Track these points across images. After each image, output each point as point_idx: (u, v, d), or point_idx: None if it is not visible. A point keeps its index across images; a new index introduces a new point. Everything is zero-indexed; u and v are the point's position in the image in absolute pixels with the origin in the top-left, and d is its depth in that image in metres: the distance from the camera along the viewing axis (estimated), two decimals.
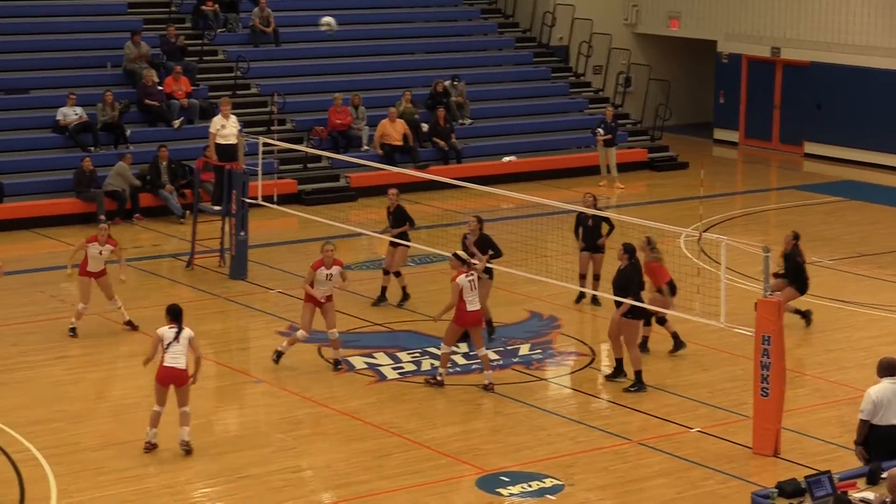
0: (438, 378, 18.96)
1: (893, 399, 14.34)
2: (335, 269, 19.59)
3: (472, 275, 18.67)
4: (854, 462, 15.15)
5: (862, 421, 14.40)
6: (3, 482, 15.54)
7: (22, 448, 16.48)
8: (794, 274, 21.24)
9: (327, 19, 19.30)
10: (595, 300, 22.49)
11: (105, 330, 21.29)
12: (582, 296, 22.73)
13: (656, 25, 40.53)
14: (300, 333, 19.49)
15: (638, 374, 18.90)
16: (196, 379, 16.60)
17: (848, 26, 36.22)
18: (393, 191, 22.59)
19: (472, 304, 18.65)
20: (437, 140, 32.77)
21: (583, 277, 22.59)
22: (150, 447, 16.50)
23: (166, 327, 16.55)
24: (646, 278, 19.47)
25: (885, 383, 14.42)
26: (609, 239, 22.51)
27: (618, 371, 19.26)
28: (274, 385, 18.96)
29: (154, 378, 16.60)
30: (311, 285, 19.31)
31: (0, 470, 15.89)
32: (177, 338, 16.45)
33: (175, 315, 16.60)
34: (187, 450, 16.46)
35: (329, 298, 19.57)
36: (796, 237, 21.30)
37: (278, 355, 19.54)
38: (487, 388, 18.78)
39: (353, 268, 25.19)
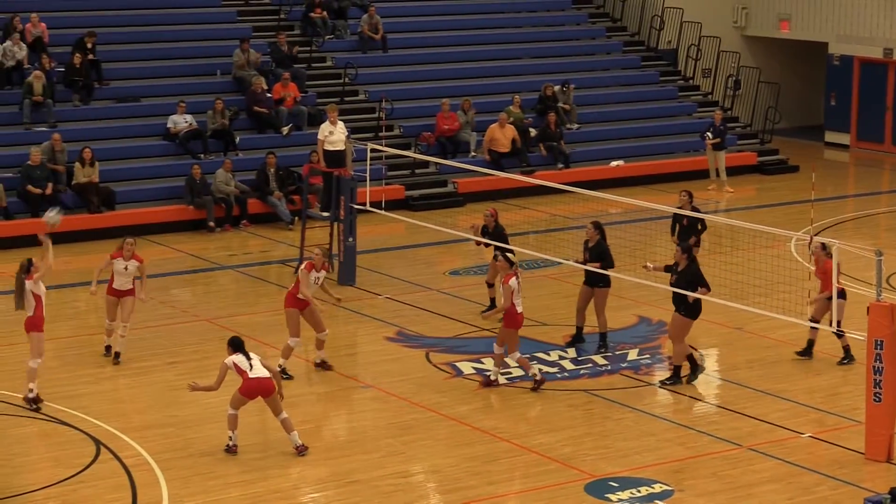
0: (492, 379, 19.00)
1: None
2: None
3: (520, 277, 18.96)
4: None
5: None
6: (115, 487, 15.76)
7: (134, 453, 16.70)
8: None
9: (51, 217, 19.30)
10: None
11: (215, 335, 21.50)
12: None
13: (766, 28, 40.16)
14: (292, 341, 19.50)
15: (677, 368, 19.10)
16: (281, 394, 16.77)
17: None
18: (490, 211, 22.36)
19: (520, 306, 18.87)
20: (542, 145, 32.68)
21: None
22: (232, 449, 16.71)
23: (233, 357, 16.67)
24: (818, 280, 19.61)
25: None
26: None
27: (676, 375, 19.30)
28: (382, 390, 19.04)
29: (238, 391, 16.67)
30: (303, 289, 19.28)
31: (113, 474, 16.11)
32: (250, 358, 16.61)
33: (236, 346, 16.74)
34: (302, 451, 16.60)
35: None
36: None
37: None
38: (538, 384, 18.90)
39: (462, 273, 25.23)
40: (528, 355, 20.29)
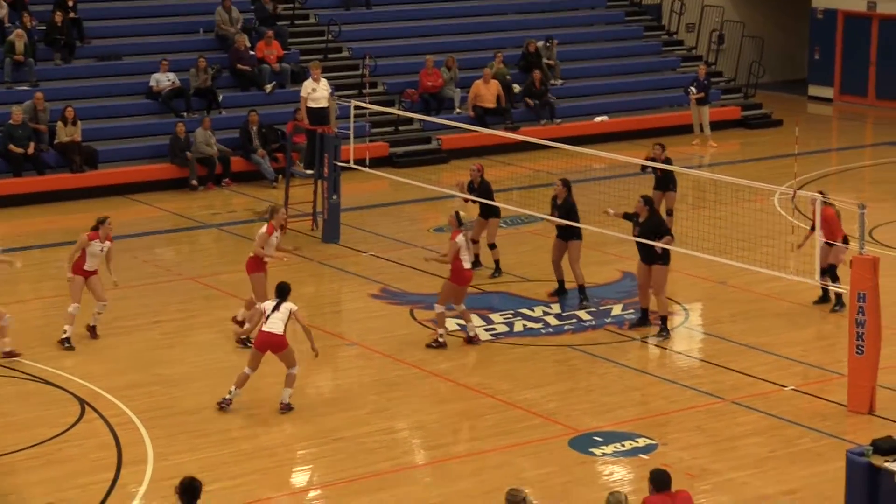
0: (441, 340, 18.94)
1: None
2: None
3: (468, 234, 19.09)
4: None
5: None
6: (101, 445, 15.78)
7: (119, 412, 16.70)
8: None
9: None
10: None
11: (199, 294, 21.51)
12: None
13: None
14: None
15: (664, 319, 19.15)
16: (315, 350, 16.74)
17: None
18: (476, 167, 22.35)
19: (468, 263, 18.91)
20: (528, 100, 32.66)
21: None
22: (226, 404, 16.70)
23: (269, 301, 16.76)
24: (823, 229, 19.29)
25: None
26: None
27: (643, 319, 19.48)
28: (366, 347, 19.07)
29: (253, 343, 16.76)
30: None
31: (98, 433, 16.13)
32: (277, 307, 16.61)
33: (280, 292, 16.74)
34: (284, 410, 16.62)
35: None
36: None
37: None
38: (472, 340, 18.92)
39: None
40: (512, 310, 20.36)
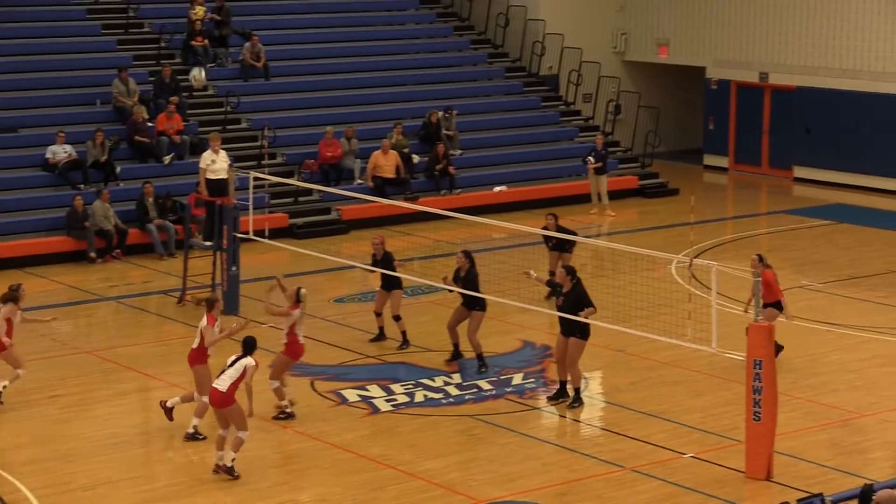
0: (288, 411, 18.84)
1: None
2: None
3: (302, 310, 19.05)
4: (846, 484, 15.22)
5: None
6: None
7: (14, 489, 16.44)
8: None
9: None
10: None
11: (96, 367, 21.29)
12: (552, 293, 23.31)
13: (645, 53, 40.67)
14: None
15: (577, 390, 19.28)
16: (250, 411, 16.83)
17: (834, 51, 36.37)
18: (378, 239, 22.43)
19: (302, 338, 18.96)
20: (436, 169, 32.70)
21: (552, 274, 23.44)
22: (217, 469, 16.77)
23: (234, 355, 17.00)
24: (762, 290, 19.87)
25: None
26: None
27: (562, 392, 19.53)
28: (266, 420, 18.93)
29: None
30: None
31: None
32: (233, 363, 16.77)
33: (245, 346, 16.99)
34: (219, 471, 16.66)
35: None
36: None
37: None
38: (284, 415, 18.77)
39: (346, 300, 25.21)
40: (413, 381, 20.35)
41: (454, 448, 17.92)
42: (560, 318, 19.23)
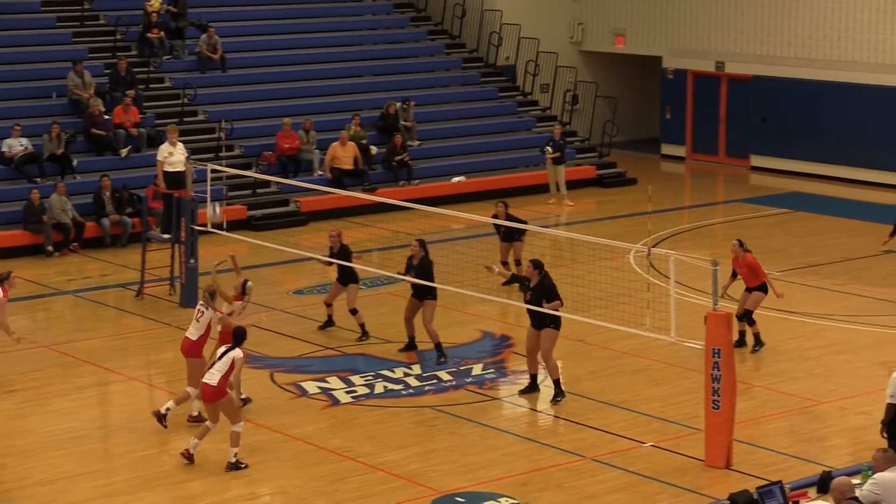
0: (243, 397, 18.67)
1: None
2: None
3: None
4: (805, 471, 15.32)
5: (890, 405, 15.39)
6: None
7: None
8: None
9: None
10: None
11: (54, 362, 21.18)
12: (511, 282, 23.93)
13: (602, 43, 40.74)
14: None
15: (557, 381, 19.14)
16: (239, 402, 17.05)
17: (789, 39, 36.54)
18: (334, 232, 22.44)
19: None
20: (395, 160, 32.70)
21: (504, 264, 24.34)
22: (186, 455, 16.83)
23: (223, 347, 17.00)
24: (740, 273, 21.14)
25: None
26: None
27: (533, 386, 19.45)
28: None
29: None
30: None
31: None
32: (221, 356, 16.79)
33: (235, 337, 16.99)
34: (230, 469, 16.68)
35: None
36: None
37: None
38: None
39: (305, 292, 25.18)
40: (373, 372, 20.33)
41: (414, 439, 17.93)
42: (529, 311, 19.19)
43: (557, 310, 18.91)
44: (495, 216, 23.76)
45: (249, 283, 19.10)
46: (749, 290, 21.32)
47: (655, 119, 40.51)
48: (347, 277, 21.99)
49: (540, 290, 19.03)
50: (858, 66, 35.18)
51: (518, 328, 22.43)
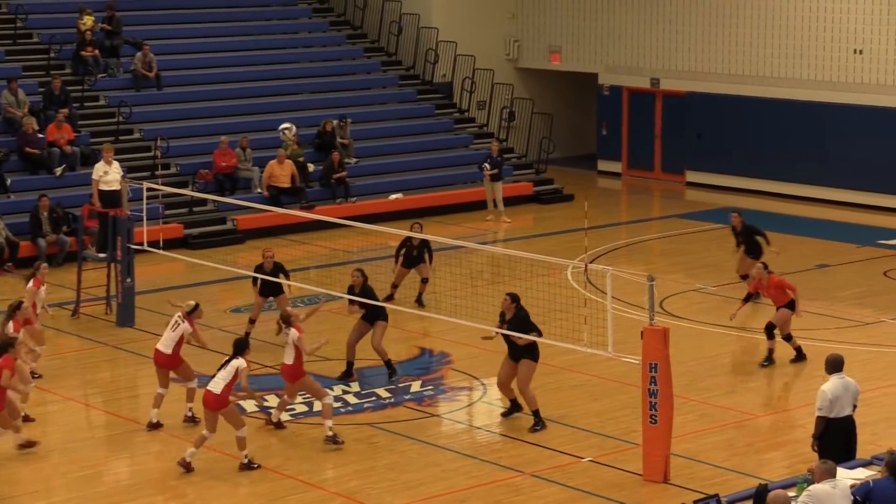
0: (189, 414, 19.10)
1: (844, 393, 15.62)
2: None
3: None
4: (742, 485, 15.41)
5: (819, 418, 15.56)
6: None
7: None
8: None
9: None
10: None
11: None
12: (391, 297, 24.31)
13: (538, 60, 40.93)
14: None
15: (536, 412, 18.84)
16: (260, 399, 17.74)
17: (723, 56, 36.87)
18: (268, 252, 22.43)
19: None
20: (334, 177, 32.70)
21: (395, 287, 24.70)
22: (183, 464, 17.11)
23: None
24: (768, 295, 21.50)
25: (835, 379, 15.66)
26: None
27: (514, 407, 19.26)
28: (164, 432, 18.80)
29: None
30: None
31: None
32: (224, 365, 17.07)
33: (236, 347, 17.34)
34: (244, 468, 17.11)
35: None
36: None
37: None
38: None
39: (243, 310, 25.09)
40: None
41: (353, 457, 17.91)
42: (508, 343, 18.95)
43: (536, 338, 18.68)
44: (406, 245, 24.36)
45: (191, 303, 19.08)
46: (780, 307, 21.51)
47: (592, 135, 40.72)
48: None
49: (515, 322, 18.84)
50: (792, 82, 35.53)
51: (457, 345, 22.49)
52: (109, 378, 21.52)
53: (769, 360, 21.39)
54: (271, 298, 22.67)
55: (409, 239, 24.22)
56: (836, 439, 15.48)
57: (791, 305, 21.39)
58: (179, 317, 18.81)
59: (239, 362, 17.06)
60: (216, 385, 17.00)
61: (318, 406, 19.73)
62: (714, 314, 24.07)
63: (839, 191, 34.68)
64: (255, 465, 17.10)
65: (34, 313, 20.42)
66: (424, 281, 24.79)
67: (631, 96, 39.16)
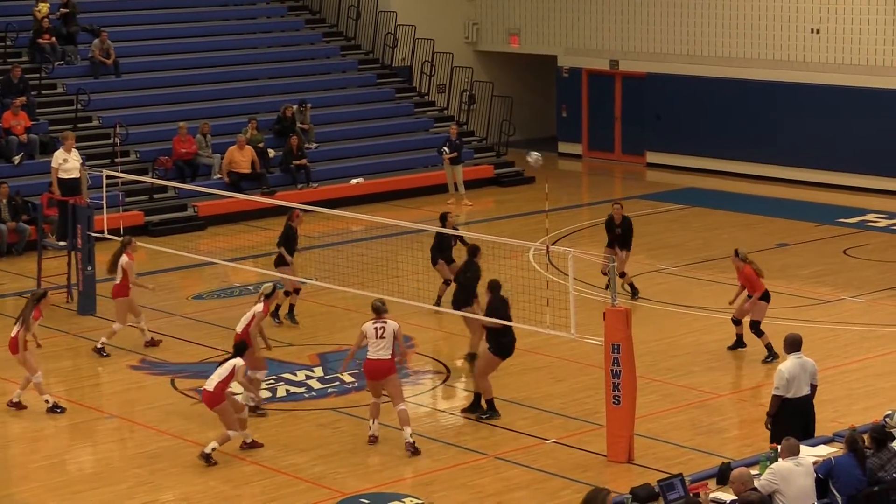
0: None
1: (801, 373, 15.64)
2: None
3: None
4: (705, 464, 15.50)
5: (775, 396, 15.60)
6: None
7: None
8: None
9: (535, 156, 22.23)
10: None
11: None
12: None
13: (497, 43, 40.91)
14: None
15: (490, 402, 18.73)
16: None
17: (681, 37, 36.94)
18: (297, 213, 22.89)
19: None
20: (295, 162, 32.62)
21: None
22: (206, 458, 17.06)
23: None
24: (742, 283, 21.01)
25: (793, 359, 15.67)
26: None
27: (493, 407, 18.91)
28: (127, 420, 18.77)
29: None
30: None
31: None
32: (222, 363, 17.19)
33: (235, 349, 17.56)
34: (245, 447, 17.24)
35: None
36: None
37: None
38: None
39: (205, 297, 25.05)
40: (274, 376, 20.26)
41: (318, 442, 17.91)
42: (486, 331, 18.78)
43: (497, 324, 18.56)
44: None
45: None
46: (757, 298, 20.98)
47: (552, 117, 40.75)
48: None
49: (489, 309, 18.70)
50: (750, 62, 35.65)
51: (419, 329, 22.49)
52: (71, 367, 21.43)
53: (771, 354, 20.67)
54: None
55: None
56: (793, 420, 15.51)
57: (766, 297, 20.94)
58: (379, 328, 17.97)
59: (237, 361, 17.09)
60: (210, 382, 16.99)
61: (280, 392, 19.74)
62: (675, 294, 24.15)
63: (798, 170, 34.83)
64: (214, 462, 16.94)
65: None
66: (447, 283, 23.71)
67: (590, 78, 39.20)
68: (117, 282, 21.45)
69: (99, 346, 21.45)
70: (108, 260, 21.72)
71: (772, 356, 20.61)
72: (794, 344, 15.80)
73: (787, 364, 15.66)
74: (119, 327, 21.49)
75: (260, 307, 18.71)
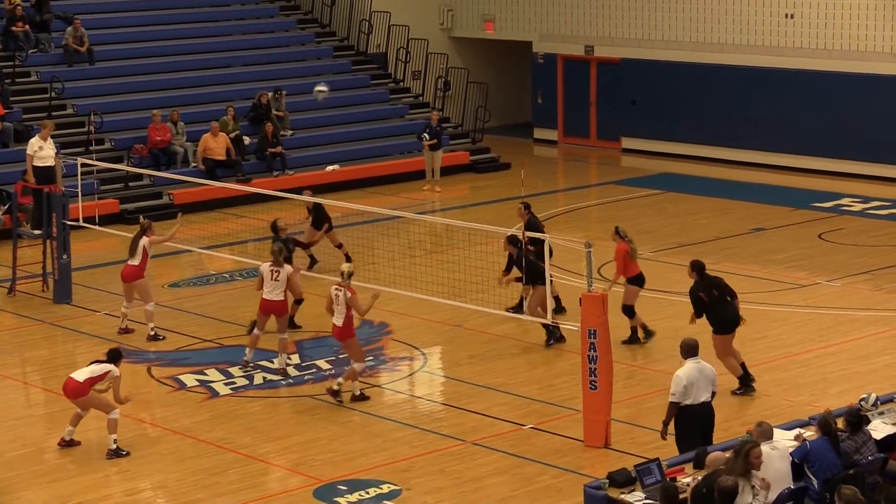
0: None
1: (699, 377, 15.21)
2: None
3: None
4: None
5: (672, 403, 15.19)
6: None
7: None
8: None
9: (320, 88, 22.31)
10: None
11: None
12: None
13: (472, 29, 40.90)
14: None
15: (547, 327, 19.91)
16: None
17: (656, 23, 36.98)
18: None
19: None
20: (271, 150, 32.56)
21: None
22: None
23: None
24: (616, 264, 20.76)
25: (690, 364, 15.25)
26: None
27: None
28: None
29: None
30: None
31: None
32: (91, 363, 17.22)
33: (109, 355, 17.32)
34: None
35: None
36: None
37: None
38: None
39: (181, 285, 25.01)
40: (253, 363, 20.25)
41: (295, 429, 17.92)
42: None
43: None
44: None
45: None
46: (628, 281, 20.83)
47: (527, 104, 40.75)
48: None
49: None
50: (725, 47, 35.70)
51: (396, 315, 22.50)
52: (48, 355, 21.39)
53: (644, 335, 20.81)
54: None
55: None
56: (693, 427, 15.09)
57: (639, 280, 20.68)
58: (274, 270, 19.74)
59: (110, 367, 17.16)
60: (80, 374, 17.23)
61: (258, 379, 19.75)
62: (652, 279, 24.14)
63: (773, 154, 34.92)
64: (125, 452, 16.96)
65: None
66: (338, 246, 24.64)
67: (565, 64, 39.21)
68: (135, 263, 21.50)
69: (151, 333, 21.50)
70: (130, 244, 21.86)
71: (640, 338, 20.68)
72: (690, 349, 15.29)
73: (685, 369, 15.17)
74: (153, 305, 21.62)
75: (289, 268, 19.99)
